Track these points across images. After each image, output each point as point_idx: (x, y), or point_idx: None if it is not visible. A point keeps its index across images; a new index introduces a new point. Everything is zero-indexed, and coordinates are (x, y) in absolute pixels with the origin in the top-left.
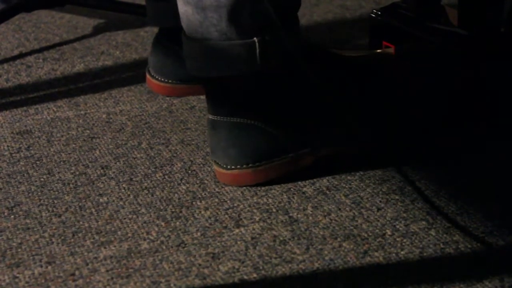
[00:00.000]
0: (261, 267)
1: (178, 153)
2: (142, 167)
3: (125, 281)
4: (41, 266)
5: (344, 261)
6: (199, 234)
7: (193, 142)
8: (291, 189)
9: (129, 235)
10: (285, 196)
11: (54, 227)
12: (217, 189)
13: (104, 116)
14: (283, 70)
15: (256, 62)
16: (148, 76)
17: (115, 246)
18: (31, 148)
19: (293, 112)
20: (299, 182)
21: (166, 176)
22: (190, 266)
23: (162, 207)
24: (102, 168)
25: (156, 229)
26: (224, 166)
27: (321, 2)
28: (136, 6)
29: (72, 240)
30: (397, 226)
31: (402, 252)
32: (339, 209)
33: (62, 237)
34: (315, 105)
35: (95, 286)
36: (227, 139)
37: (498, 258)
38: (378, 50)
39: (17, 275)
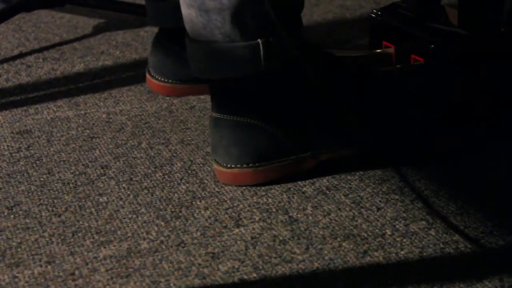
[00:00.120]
0: (261, 267)
1: (178, 153)
2: (142, 167)
3: (124, 281)
4: (41, 266)
5: (343, 261)
6: (198, 233)
7: (193, 142)
8: (291, 189)
9: (129, 234)
10: (285, 196)
11: (54, 227)
12: (217, 189)
13: (104, 116)
14: (286, 71)
15: (260, 64)
16: (148, 76)
17: (114, 246)
18: (31, 147)
19: (294, 113)
20: (299, 182)
21: (166, 176)
22: (189, 265)
23: (162, 207)
24: (102, 168)
25: (156, 228)
26: (225, 165)
27: (321, 2)
28: (136, 6)
29: (72, 239)
30: (397, 226)
31: (402, 252)
32: (339, 209)
33: (62, 237)
34: (316, 106)
35: (94, 286)
36: (229, 137)
37: (498, 258)
38: (378, 50)
39: (17, 274)
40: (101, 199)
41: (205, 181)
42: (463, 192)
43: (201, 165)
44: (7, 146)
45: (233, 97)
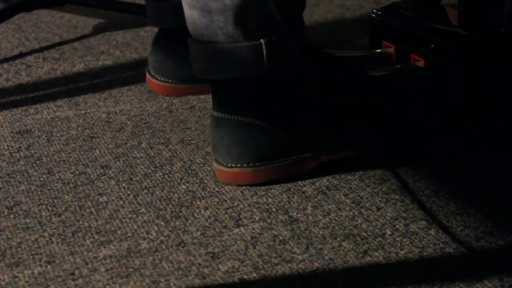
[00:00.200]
0: (260, 267)
1: (178, 152)
2: (142, 167)
3: (124, 281)
4: (41, 266)
5: (343, 261)
6: (198, 233)
7: (193, 142)
8: (291, 188)
9: (129, 234)
10: (285, 196)
11: (54, 227)
12: (217, 189)
13: (104, 115)
14: (288, 71)
15: (263, 64)
16: (148, 75)
17: (114, 246)
18: (31, 147)
19: (295, 113)
20: (299, 182)
21: (166, 176)
22: (189, 265)
23: (162, 207)
24: (102, 168)
25: (156, 228)
26: (225, 164)
27: (321, 2)
28: (136, 6)
29: (72, 239)
30: (397, 226)
31: (401, 252)
32: (339, 208)
33: (62, 237)
34: (317, 107)
35: (94, 286)
36: (230, 137)
37: (498, 258)
38: (378, 50)
39: (17, 274)
40: (101, 199)
41: (205, 181)
42: (463, 192)
43: (201, 165)
44: (7, 146)
45: (234, 96)
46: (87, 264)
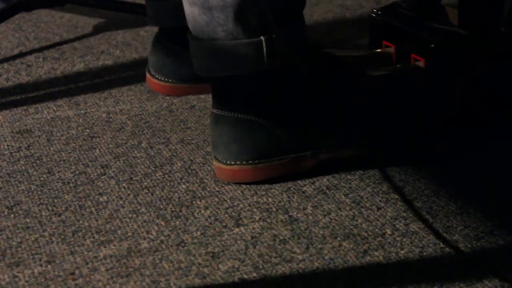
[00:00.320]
0: (261, 266)
1: (178, 152)
2: (142, 166)
3: (125, 280)
4: (41, 265)
5: (344, 261)
6: (199, 233)
7: (193, 142)
8: (291, 188)
9: (129, 234)
10: (285, 196)
11: (54, 226)
12: (217, 188)
13: (104, 115)
14: (288, 69)
15: (263, 61)
16: (148, 75)
17: (115, 245)
18: (31, 147)
19: (294, 112)
20: (299, 181)
21: (166, 175)
22: (190, 265)
23: (162, 206)
24: (102, 167)
25: (156, 228)
26: (224, 161)
27: (321, 1)
28: (136, 5)
29: (72, 239)
30: (397, 226)
31: (402, 252)
32: (339, 208)
33: (62, 236)
34: (316, 106)
35: (95, 285)
36: (230, 134)
37: (498, 258)
38: (378, 50)
39: (17, 274)
40: (101, 199)
41: (205, 180)
42: (463, 192)
43: (201, 164)
44: (7, 145)
45: (234, 94)
46: (87, 263)
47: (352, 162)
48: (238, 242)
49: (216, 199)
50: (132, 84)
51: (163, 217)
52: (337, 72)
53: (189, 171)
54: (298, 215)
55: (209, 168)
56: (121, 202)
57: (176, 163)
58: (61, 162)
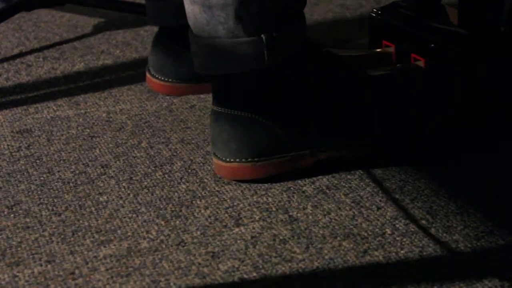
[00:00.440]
0: (260, 266)
1: (178, 152)
2: (142, 166)
3: (124, 280)
4: (41, 265)
5: (343, 260)
6: (199, 233)
7: (193, 141)
8: (291, 188)
9: (129, 234)
10: (285, 195)
11: (54, 226)
12: (217, 188)
13: (104, 115)
14: (289, 67)
15: (263, 59)
16: (148, 75)
17: (115, 245)
18: (31, 147)
19: (294, 110)
20: (299, 181)
21: (166, 175)
22: (189, 265)
23: (162, 206)
24: (102, 167)
25: (156, 228)
26: (224, 158)
27: (321, 1)
28: (136, 5)
29: (72, 239)
30: (397, 225)
31: (401, 251)
32: (339, 208)
33: (62, 236)
34: (315, 105)
35: (94, 285)
36: (229, 132)
37: (498, 258)
38: (378, 50)
39: (17, 274)
40: (101, 198)
41: (205, 180)
42: (463, 192)
43: (201, 164)
44: (7, 145)
45: (234, 91)
46: (87, 263)
47: (352, 162)
48: (238, 241)
49: (216, 199)
50: (132, 84)
51: (163, 216)
52: (337, 72)
53: (189, 170)
54: (298, 214)
55: (209, 167)
56: (121, 201)
57: (176, 163)
58: (61, 161)
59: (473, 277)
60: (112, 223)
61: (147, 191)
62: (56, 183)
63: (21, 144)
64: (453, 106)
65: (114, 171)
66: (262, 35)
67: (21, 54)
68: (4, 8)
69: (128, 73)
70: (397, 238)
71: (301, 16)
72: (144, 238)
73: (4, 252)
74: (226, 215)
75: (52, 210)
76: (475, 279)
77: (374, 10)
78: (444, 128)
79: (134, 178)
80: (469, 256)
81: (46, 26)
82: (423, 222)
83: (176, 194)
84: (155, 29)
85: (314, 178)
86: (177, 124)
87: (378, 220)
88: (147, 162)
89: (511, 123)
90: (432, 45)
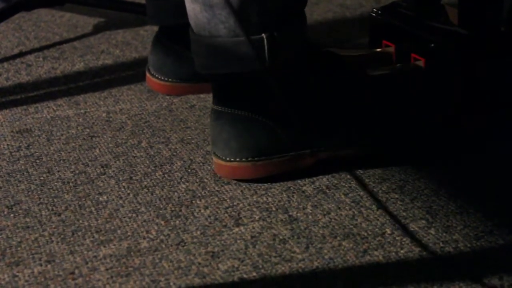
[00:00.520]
0: (260, 266)
1: (178, 152)
2: (142, 166)
3: (124, 280)
4: (41, 265)
5: (343, 260)
6: (198, 233)
7: (193, 141)
8: (291, 188)
9: (129, 233)
10: (284, 195)
11: (53, 226)
12: (217, 188)
13: (104, 115)
14: (289, 67)
15: (264, 59)
16: (148, 75)
17: (114, 245)
18: (31, 146)
19: (295, 110)
20: (299, 181)
21: (166, 175)
22: (189, 264)
23: (161, 206)
24: (102, 167)
25: (156, 227)
26: (224, 158)
27: (321, 1)
28: (136, 4)
29: (72, 238)
30: (397, 225)
31: (401, 251)
32: (339, 208)
33: (62, 236)
34: (315, 104)
35: (94, 285)
36: (230, 131)
37: (498, 258)
38: (378, 49)
39: (17, 273)
40: (101, 198)
41: (205, 180)
42: (463, 192)
43: (201, 164)
44: (7, 145)
45: (234, 90)
46: (87, 263)
47: (352, 162)
48: (238, 241)
49: (216, 199)
50: (132, 84)
51: (163, 216)
52: (337, 72)
53: (189, 170)
54: (298, 214)
55: (209, 167)
56: (121, 201)
57: (176, 163)
58: (61, 161)
59: (473, 277)
60: (112, 223)
61: (147, 191)
62: (56, 183)
63: (21, 144)
64: (453, 106)
65: (114, 171)
66: (263, 35)
67: (21, 54)
68: (4, 8)
69: (128, 73)
70: (397, 238)
71: (302, 16)
72: (144, 238)
73: (4, 252)
74: (226, 215)
75: (52, 210)
76: (475, 279)
77: (374, 10)
78: (444, 128)
79: (134, 178)
80: (469, 256)
81: (46, 26)
82: (423, 222)
83: (176, 194)
84: (155, 28)
85: (314, 178)
86: (177, 124)
87: (378, 220)
88: (147, 162)
89: (511, 123)
90: (432, 45)
